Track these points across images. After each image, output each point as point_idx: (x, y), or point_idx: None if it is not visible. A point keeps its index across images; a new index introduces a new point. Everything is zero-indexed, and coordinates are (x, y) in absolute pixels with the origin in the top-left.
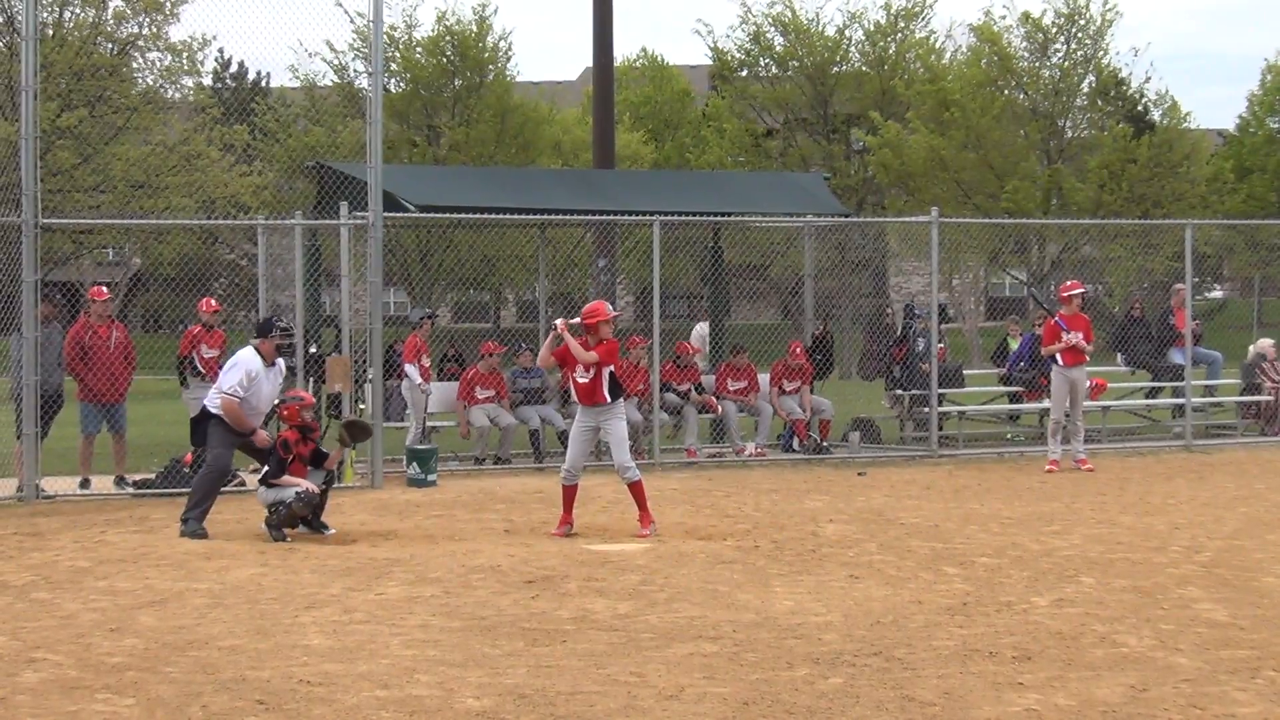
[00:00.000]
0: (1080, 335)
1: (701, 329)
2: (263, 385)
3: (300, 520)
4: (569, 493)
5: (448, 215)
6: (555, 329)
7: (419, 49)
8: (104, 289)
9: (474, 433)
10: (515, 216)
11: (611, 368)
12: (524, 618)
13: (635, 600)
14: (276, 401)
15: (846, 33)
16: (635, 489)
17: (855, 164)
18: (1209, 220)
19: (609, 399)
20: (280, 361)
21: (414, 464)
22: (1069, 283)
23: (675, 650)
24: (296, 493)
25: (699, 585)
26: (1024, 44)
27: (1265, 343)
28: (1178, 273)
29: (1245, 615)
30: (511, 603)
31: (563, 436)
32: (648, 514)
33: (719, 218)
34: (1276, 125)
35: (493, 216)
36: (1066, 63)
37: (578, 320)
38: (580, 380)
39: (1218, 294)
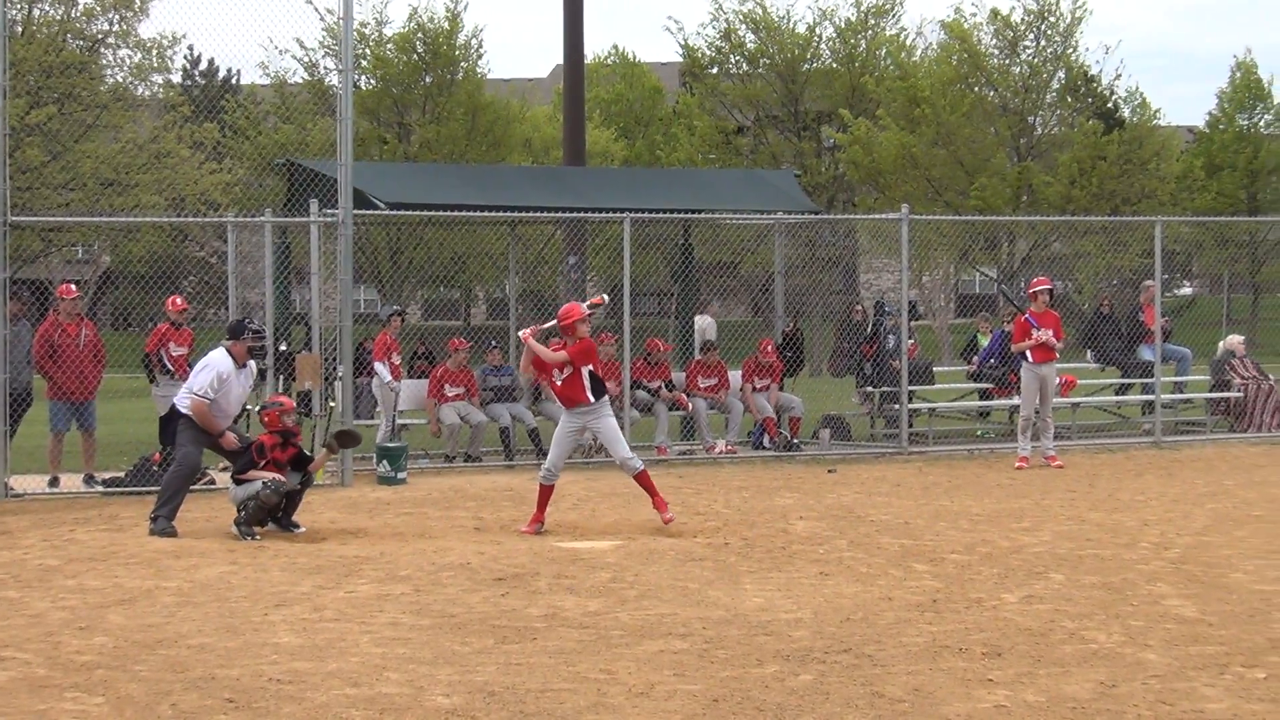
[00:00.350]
0: (1050, 332)
1: (701, 321)
2: (233, 387)
3: (270, 518)
4: (546, 492)
5: (418, 213)
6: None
7: (389, 46)
8: (73, 287)
9: (444, 430)
10: (485, 214)
11: (590, 367)
12: (494, 615)
13: (605, 598)
14: (258, 407)
15: (817, 30)
16: (642, 479)
17: (826, 161)
18: (1179, 218)
19: (591, 399)
20: (251, 363)
21: (384, 462)
22: (1037, 279)
23: (645, 647)
24: (263, 482)
25: (669, 582)
26: (994, 41)
27: (1234, 339)
28: (1147, 269)
29: (1214, 611)
30: (481, 600)
31: (533, 434)
32: (662, 499)
33: (689, 214)
34: (1246, 122)
35: (463, 214)
36: (1036, 60)
37: (553, 323)
38: (557, 384)
39: (1187, 291)
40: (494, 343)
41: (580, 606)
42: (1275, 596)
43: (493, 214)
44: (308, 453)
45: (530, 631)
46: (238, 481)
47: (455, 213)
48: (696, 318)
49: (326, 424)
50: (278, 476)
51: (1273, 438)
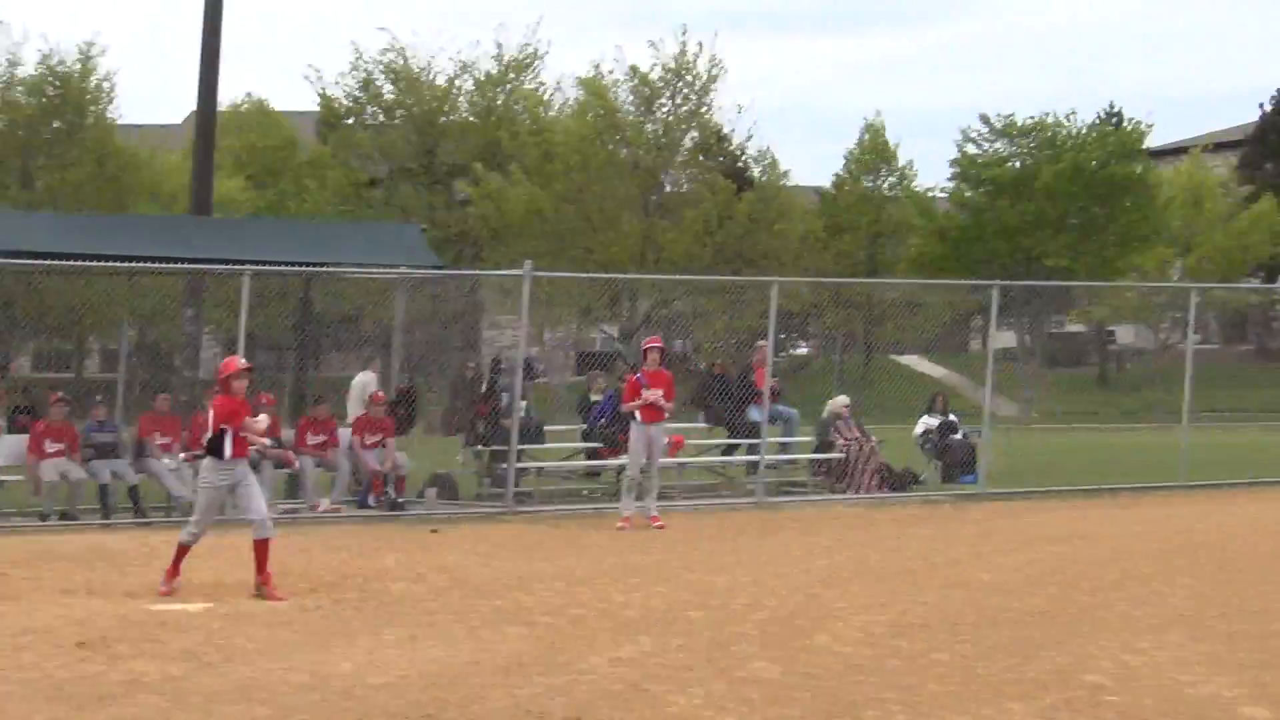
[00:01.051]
0: (660, 392)
1: (364, 378)
2: None
3: None
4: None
5: (31, 263)
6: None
7: (20, 89)
8: None
9: (44, 489)
10: (104, 265)
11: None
12: (71, 681)
13: (189, 662)
14: None
15: (457, 82)
16: (261, 549)
17: (456, 215)
18: (795, 279)
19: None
20: None
21: None
22: (649, 338)
23: (222, 713)
24: None
25: (256, 646)
26: (630, 98)
27: (839, 401)
28: (765, 329)
29: (796, 673)
30: (59, 666)
31: (133, 491)
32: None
33: (312, 268)
34: (871, 185)
35: (79, 265)
36: (671, 118)
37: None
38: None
39: (803, 350)
40: (99, 398)
41: (161, 671)
42: (855, 657)
43: (111, 265)
44: None
45: (108, 698)
46: None
47: (71, 264)
48: (359, 374)
49: None
50: None
51: (870, 499)
